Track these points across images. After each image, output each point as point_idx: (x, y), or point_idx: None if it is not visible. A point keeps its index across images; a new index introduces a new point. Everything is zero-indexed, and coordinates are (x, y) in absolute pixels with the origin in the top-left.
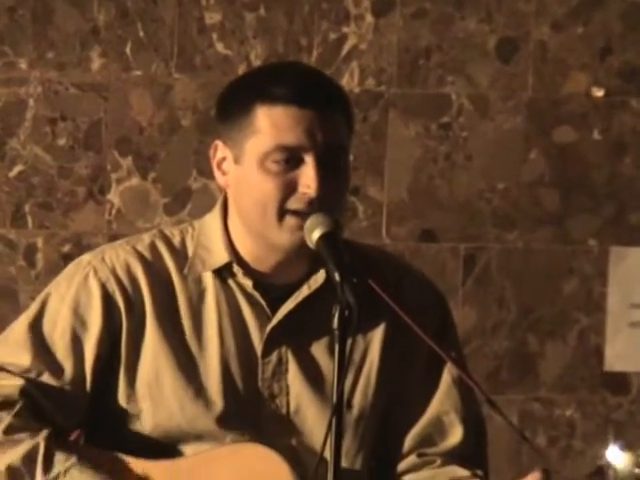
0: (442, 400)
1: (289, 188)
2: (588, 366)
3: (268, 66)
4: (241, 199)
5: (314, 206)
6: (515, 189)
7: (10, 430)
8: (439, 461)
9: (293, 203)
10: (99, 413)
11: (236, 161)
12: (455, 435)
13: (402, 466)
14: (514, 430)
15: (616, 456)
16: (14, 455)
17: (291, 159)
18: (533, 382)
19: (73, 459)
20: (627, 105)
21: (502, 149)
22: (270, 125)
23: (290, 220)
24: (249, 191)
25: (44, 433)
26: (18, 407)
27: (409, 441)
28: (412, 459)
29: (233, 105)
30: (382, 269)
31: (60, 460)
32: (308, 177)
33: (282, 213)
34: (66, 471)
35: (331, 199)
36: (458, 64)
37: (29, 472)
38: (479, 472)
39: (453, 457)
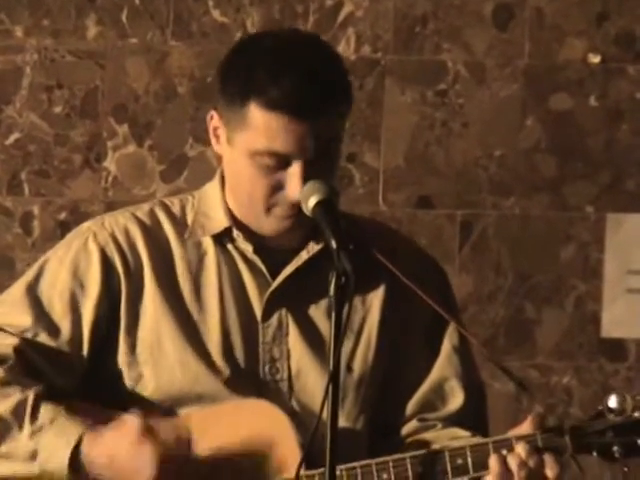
0: (443, 366)
1: (276, 188)
2: (585, 333)
3: (269, 47)
4: (232, 178)
5: (297, 208)
6: (512, 156)
7: (1, 383)
8: (440, 426)
9: (279, 204)
10: (98, 379)
11: (228, 141)
12: (456, 401)
13: (404, 431)
14: (512, 379)
15: (616, 399)
16: (4, 406)
17: (280, 161)
18: (530, 349)
19: (60, 409)
20: (624, 71)
21: (498, 116)
22: (263, 128)
23: (277, 210)
24: (239, 176)
25: (35, 387)
26: (10, 363)
27: (411, 407)
28: (413, 424)
29: (231, 85)
30: (375, 237)
31: (47, 410)
32: (294, 182)
33: (269, 207)
34: (52, 420)
35: (322, 180)
36: (454, 31)
37: (18, 423)
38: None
39: (454, 422)
